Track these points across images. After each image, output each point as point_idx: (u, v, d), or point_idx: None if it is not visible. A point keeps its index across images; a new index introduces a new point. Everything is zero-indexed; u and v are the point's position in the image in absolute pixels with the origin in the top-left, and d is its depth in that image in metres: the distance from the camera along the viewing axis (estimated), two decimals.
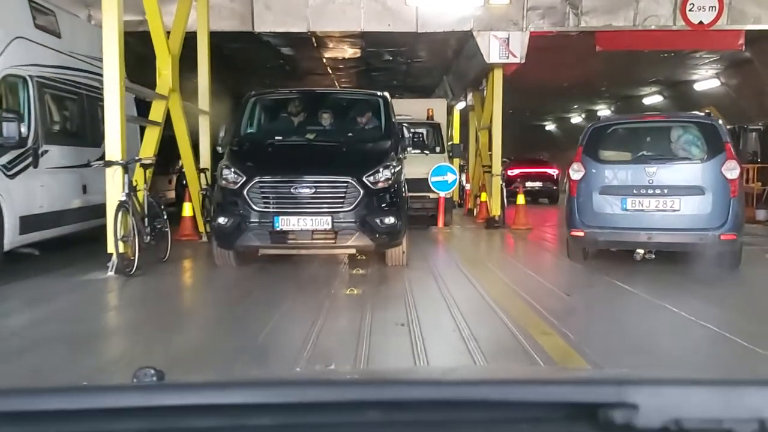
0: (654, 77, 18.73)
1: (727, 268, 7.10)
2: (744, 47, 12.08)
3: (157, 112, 8.54)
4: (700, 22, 11.46)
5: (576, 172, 7.32)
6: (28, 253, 7.20)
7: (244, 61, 15.42)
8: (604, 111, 26.30)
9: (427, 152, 12.40)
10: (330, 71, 17.79)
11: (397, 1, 11.24)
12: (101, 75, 7.26)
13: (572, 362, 3.72)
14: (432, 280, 6.68)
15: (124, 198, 6.89)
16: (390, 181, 6.95)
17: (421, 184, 11.32)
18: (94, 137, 8.61)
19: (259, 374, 2.29)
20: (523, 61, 11.89)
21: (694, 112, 8.96)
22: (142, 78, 9.48)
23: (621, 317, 5.00)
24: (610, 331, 4.45)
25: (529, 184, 18.32)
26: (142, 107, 9.36)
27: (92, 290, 6.31)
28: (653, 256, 7.29)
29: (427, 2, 11.35)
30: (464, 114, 19.02)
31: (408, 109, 13.09)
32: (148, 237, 7.38)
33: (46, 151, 7.59)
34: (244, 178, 6.75)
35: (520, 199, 12.54)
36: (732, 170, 7.04)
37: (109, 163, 6.94)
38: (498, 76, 12.62)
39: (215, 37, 11.64)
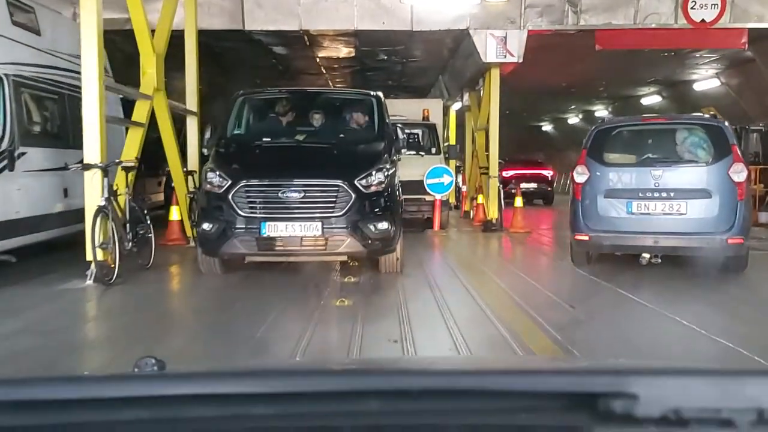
0: (653, 77, 18.46)
1: (734, 272, 6.99)
2: (747, 46, 11.80)
3: (140, 113, 8.19)
4: (702, 20, 11.17)
5: (580, 175, 7.14)
6: (4, 261, 6.85)
7: (235, 60, 15.08)
8: (601, 112, 26.07)
9: (423, 154, 12.14)
10: (324, 71, 17.46)
11: None
12: None
13: None
14: (428, 290, 6.35)
15: (103, 203, 6.56)
16: (383, 185, 6.63)
17: (416, 186, 11.06)
18: (77, 139, 8.23)
19: (259, 364, 2.36)
20: (521, 60, 11.59)
21: (698, 114, 8.79)
22: (130, 77, 9.16)
23: (630, 333, 4.68)
24: (619, 349, 4.14)
25: (524, 185, 18.28)
26: (130, 108, 9.02)
27: (68, 300, 5.98)
28: (659, 261, 7.11)
29: (422, 0, 11.05)
30: (460, 115, 18.72)
31: (403, 109, 12.81)
32: (130, 243, 7.05)
33: (24, 153, 7.24)
34: (230, 182, 6.42)
35: (518, 202, 12.22)
36: (739, 173, 6.90)
37: (88, 166, 6.60)
38: (495, 75, 12.30)
39: (204, 36, 11.31)
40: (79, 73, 7.95)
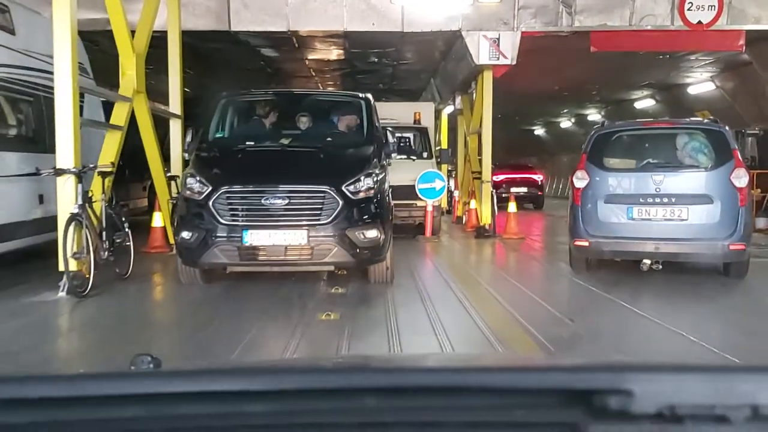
0: (646, 80, 18.26)
1: (735, 278, 6.94)
2: (744, 48, 11.58)
3: (119, 115, 7.84)
4: (699, 22, 10.96)
5: (580, 179, 7.03)
6: None
7: (223, 62, 14.76)
8: (594, 115, 25.91)
9: (414, 158, 11.87)
10: (314, 74, 17.16)
11: None
12: None
13: None
14: (419, 302, 6.03)
15: (76, 210, 6.21)
16: (372, 191, 6.32)
17: (407, 191, 10.77)
18: (53, 142, 7.91)
19: (254, 362, 2.37)
20: (514, 62, 11.34)
21: (699, 118, 8.73)
22: (116, 80, 8.81)
23: (634, 350, 4.38)
24: None
25: (514, 189, 18.44)
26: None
27: (38, 314, 5.63)
28: (660, 267, 6.99)
29: (413, 0, 10.77)
30: (452, 118, 18.49)
31: (394, 112, 12.53)
32: (106, 252, 6.70)
33: None
34: (210, 188, 6.08)
35: (512, 207, 11.94)
36: (741, 178, 6.83)
37: (60, 171, 6.26)
38: (488, 78, 12.05)
39: (190, 37, 11.01)
40: None
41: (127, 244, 7.17)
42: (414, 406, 0.79)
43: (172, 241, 9.13)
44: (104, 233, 6.75)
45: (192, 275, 6.54)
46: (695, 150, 7.07)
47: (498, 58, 11.29)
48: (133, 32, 8.54)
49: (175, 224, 6.72)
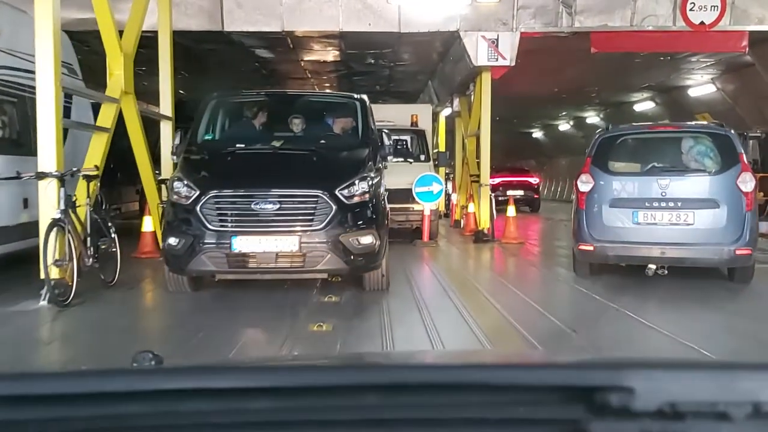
0: (646, 83, 18.06)
1: (740, 283, 6.89)
2: (747, 49, 11.37)
3: (105, 117, 7.57)
4: (702, 23, 10.74)
5: (584, 183, 6.96)
6: None
7: (217, 64, 14.52)
8: (593, 118, 25.75)
9: (411, 161, 11.64)
10: (309, 75, 16.92)
11: None
12: None
13: None
14: (416, 311, 5.78)
15: (58, 215, 5.96)
16: (367, 195, 6.07)
17: (404, 195, 10.55)
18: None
19: (256, 359, 2.35)
20: (513, 63, 11.11)
21: (703, 122, 8.65)
22: (106, 81, 8.56)
23: None
24: None
25: (510, 192, 18.49)
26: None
27: (16, 325, 5.38)
28: (666, 272, 6.85)
29: (410, 0, 10.54)
30: (450, 120, 18.25)
31: (391, 114, 12.34)
32: (91, 259, 6.44)
33: None
34: (198, 192, 5.83)
35: (511, 211, 11.70)
36: (747, 182, 6.77)
37: (42, 175, 6.00)
38: (486, 79, 11.81)
39: (183, 37, 10.77)
40: None
41: (114, 250, 6.91)
42: (415, 403, 0.79)
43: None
44: (89, 239, 6.50)
45: (180, 283, 6.29)
46: (701, 154, 7.02)
47: (496, 59, 11.06)
48: (122, 32, 8.31)
49: (162, 230, 6.47)
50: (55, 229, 5.90)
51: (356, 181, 6.02)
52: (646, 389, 0.74)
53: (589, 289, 6.72)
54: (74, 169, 6.42)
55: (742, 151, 7.11)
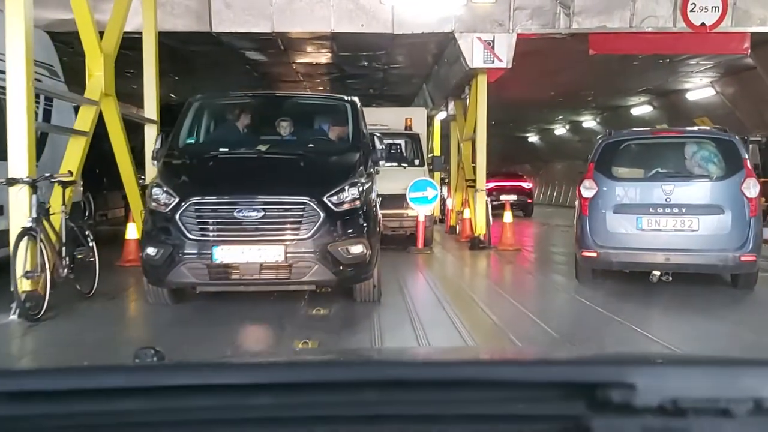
0: (643, 86, 17.81)
1: (743, 290, 6.81)
2: (749, 51, 11.12)
3: (84, 120, 7.23)
4: (702, 24, 10.48)
5: (587, 189, 6.83)
6: None
7: (206, 66, 14.20)
8: (589, 122, 25.54)
9: (405, 165, 11.37)
10: (302, 78, 16.63)
11: None
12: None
13: None
14: (408, 325, 5.46)
15: (30, 224, 5.61)
16: (358, 202, 5.76)
17: (398, 200, 10.28)
18: None
19: (257, 355, 2.31)
20: (510, 65, 10.82)
21: (705, 128, 8.52)
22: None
23: None
24: None
25: (503, 197, 18.27)
26: None
27: None
28: (670, 279, 6.73)
29: (403, 0, 10.25)
30: (445, 124, 17.99)
31: (384, 118, 12.09)
32: (66, 270, 6.11)
33: None
34: (177, 199, 5.50)
35: (507, 216, 11.39)
36: (752, 188, 6.66)
37: (12, 181, 5.66)
38: (482, 82, 11.54)
39: (170, 38, 10.45)
40: None
41: (92, 259, 6.57)
42: (416, 399, 0.80)
43: None
44: (64, 248, 6.16)
45: (160, 295, 5.96)
46: (705, 159, 6.91)
47: (492, 61, 10.78)
48: (103, 33, 7.99)
49: (141, 239, 6.14)
50: (26, 238, 5.56)
51: (346, 187, 5.71)
52: (648, 385, 0.74)
53: (591, 300, 6.43)
54: (47, 174, 6.08)
55: (747, 157, 7.01)
